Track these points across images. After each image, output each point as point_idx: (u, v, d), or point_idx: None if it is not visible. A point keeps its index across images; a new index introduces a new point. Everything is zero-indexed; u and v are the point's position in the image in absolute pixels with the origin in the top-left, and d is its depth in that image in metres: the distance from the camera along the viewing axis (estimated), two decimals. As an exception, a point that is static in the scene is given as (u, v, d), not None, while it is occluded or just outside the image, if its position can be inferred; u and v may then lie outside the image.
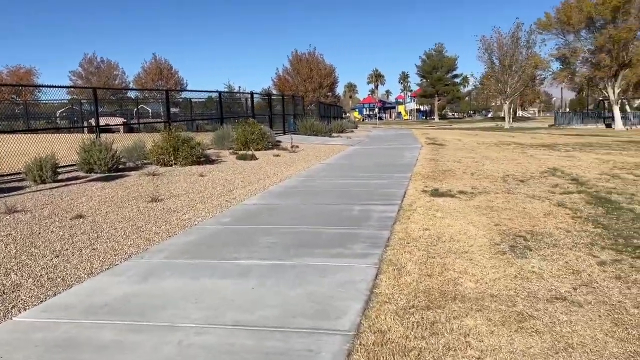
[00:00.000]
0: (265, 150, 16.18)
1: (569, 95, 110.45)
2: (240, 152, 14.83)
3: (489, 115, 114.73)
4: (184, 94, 38.55)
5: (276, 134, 21.84)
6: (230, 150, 15.23)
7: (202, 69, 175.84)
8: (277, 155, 14.69)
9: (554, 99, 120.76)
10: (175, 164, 11.98)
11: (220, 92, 17.84)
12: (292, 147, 16.92)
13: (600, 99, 49.39)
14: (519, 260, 4.53)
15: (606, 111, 45.79)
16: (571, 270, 4.25)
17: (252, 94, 20.24)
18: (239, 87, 73.78)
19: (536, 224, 5.93)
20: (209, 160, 12.98)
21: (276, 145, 18.17)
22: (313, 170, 11.42)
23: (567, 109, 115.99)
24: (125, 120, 24.40)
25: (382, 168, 11.47)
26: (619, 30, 34.35)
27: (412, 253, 4.79)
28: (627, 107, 38.98)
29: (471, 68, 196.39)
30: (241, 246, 5.18)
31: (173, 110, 30.08)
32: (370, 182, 9.32)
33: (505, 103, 50.25)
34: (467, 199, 7.60)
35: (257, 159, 13.74)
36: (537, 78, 48.66)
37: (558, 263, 4.45)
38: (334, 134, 26.60)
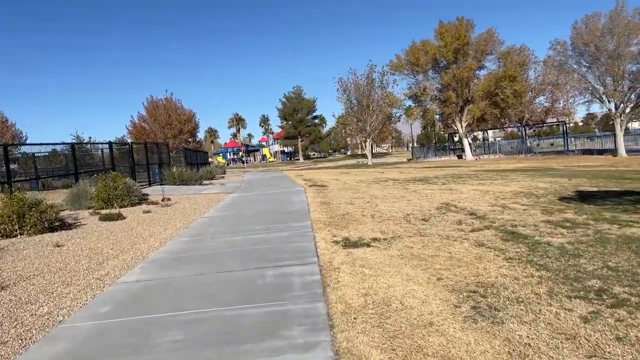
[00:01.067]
0: (132, 206, 14.19)
1: (417, 129, 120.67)
2: (104, 212, 12.73)
3: (349, 153, 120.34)
4: (24, 148, 33.96)
5: (141, 186, 19.68)
6: (91, 210, 13.03)
7: (45, 121, 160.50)
8: (148, 212, 12.87)
9: (404, 134, 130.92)
10: (21, 233, 9.68)
11: (73, 144, 15.45)
12: (163, 200, 15.13)
13: (450, 132, 54.05)
14: (498, 328, 3.74)
15: (456, 143, 50.13)
16: (564, 336, 3.54)
17: (110, 143, 17.97)
18: (89, 137, 68.05)
19: (478, 273, 5.29)
20: (65, 225, 10.80)
21: (144, 199, 16.17)
22: (197, 227, 9.94)
23: (416, 144, 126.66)
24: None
25: (276, 217, 10.39)
26: (460, 70, 37.95)
27: (369, 334, 3.76)
28: (470, 139, 43.13)
29: (330, 108, 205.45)
30: (134, 356, 3.71)
31: (12, 167, 26.07)
32: (270, 236, 8.18)
33: (367, 141, 52.60)
34: (385, 248, 6.84)
35: (124, 217, 11.82)
36: (393, 116, 51.97)
37: (541, 326, 3.74)
38: (205, 182, 24.95)
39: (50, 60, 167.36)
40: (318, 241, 7.43)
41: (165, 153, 26.98)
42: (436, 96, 40.55)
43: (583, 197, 11.71)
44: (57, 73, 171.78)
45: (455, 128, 42.11)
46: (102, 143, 23.24)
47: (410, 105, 44.89)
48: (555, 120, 47.83)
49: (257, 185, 21.66)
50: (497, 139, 68.04)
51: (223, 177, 32.81)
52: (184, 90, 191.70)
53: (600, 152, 35.98)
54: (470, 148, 42.04)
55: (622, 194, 12.04)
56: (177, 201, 15.43)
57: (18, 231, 9.69)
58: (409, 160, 49.01)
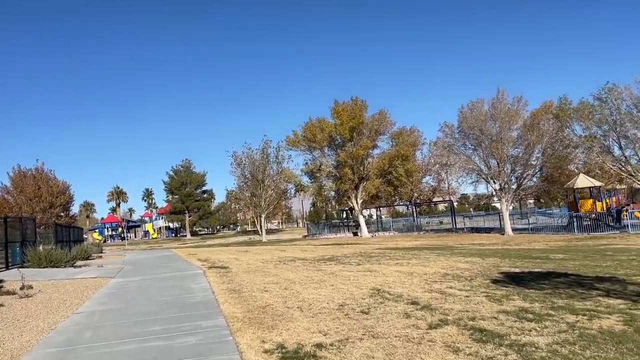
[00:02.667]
0: (-22, 298, 10.95)
1: (306, 206, 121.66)
2: None
3: (238, 229, 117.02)
4: None
5: (-4, 269, 15.96)
6: None
7: None
8: (1, 305, 9.85)
9: (294, 210, 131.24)
10: None
11: None
12: (22, 288, 11.99)
13: (343, 209, 54.25)
14: None
15: (350, 220, 50.20)
16: None
17: (-43, 216, 14.36)
18: (-62, 209, 58.44)
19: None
20: None
21: (-4, 287, 12.81)
22: (67, 330, 7.41)
23: (306, 220, 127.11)
24: None
25: (177, 312, 8.17)
26: (356, 149, 38.49)
27: None
28: (366, 216, 43.38)
29: (220, 182, 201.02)
30: None
31: None
32: (175, 342, 6.05)
33: (262, 216, 50.85)
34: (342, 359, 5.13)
35: (-37, 316, 8.79)
36: (288, 192, 51.22)
37: None
38: (79, 263, 21.34)
39: None
40: (244, 352, 5.49)
41: (31, 229, 22.96)
42: (332, 173, 40.52)
43: (513, 279, 10.98)
44: None
45: (351, 204, 42.11)
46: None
47: (305, 182, 44.49)
48: (441, 199, 50.18)
49: (144, 267, 18.77)
50: (383, 216, 70.03)
51: (101, 256, 28.84)
52: (58, 160, 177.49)
53: (487, 230, 37.63)
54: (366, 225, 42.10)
55: (548, 275, 11.55)
56: (42, 290, 12.36)
57: None
58: (305, 236, 47.87)
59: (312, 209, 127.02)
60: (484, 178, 35.31)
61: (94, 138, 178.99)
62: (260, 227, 60.49)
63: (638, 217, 34.87)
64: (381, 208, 53.80)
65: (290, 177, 44.61)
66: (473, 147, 35.08)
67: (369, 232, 41.39)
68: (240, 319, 7.27)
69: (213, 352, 5.54)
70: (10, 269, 17.02)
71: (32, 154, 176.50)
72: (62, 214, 55.37)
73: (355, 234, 43.61)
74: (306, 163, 43.10)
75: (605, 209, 32.69)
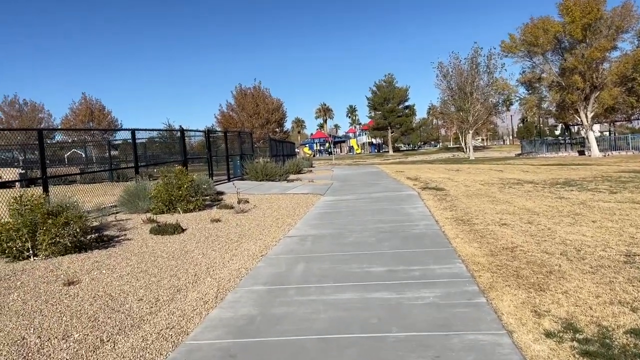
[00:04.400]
0: (200, 210, 11.17)
1: (515, 122, 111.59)
2: (162, 218, 9.78)
3: (439, 146, 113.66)
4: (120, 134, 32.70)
5: (218, 182, 16.83)
6: (147, 215, 10.09)
7: (139, 109, 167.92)
8: (217, 221, 9.70)
9: (499, 126, 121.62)
10: (35, 254, 6.81)
11: (133, 130, 12.67)
12: (239, 202, 11.98)
13: (564, 124, 47.35)
14: None
15: (573, 137, 43.63)
16: None
17: (182, 130, 15.09)
18: (180, 126, 68.15)
19: None
20: (101, 240, 7.85)
21: (217, 199, 13.19)
22: (279, 260, 6.51)
23: (514, 137, 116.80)
24: (22, 172, 18.64)
25: (400, 248, 6.69)
26: (592, 50, 31.82)
27: None
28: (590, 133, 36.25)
29: (422, 98, 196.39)
30: None
31: (113, 153, 24.41)
32: (403, 298, 4.52)
33: (469, 132, 47.21)
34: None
35: (183, 230, 8.71)
36: (499, 105, 46.22)
37: None
38: (291, 177, 21.82)
39: (143, 51, 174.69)
40: (515, 331, 3.65)
41: (248, 143, 24.13)
42: (556, 82, 34.48)
43: None
44: (151, 65, 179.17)
45: (579, 119, 35.83)
46: (171, 130, 20.78)
47: (521, 93, 38.94)
48: None
49: (352, 184, 18.06)
50: (605, 133, 59.30)
51: (311, 170, 29.64)
52: (272, 79, 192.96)
53: None
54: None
55: None
56: (257, 204, 12.23)
57: (30, 251, 6.81)
58: (518, 155, 43.13)
59: (521, 125, 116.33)
60: None
61: (302, 59, 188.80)
62: (465, 144, 56.89)
63: None
64: (616, 123, 45.31)
65: (504, 87, 39.46)
66: None
67: (599, 150, 35.04)
68: (487, 267, 5.42)
69: (465, 324, 3.82)
70: (231, 180, 17.87)
71: (252, 73, 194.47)
72: (277, 129, 59.55)
73: (581, 152, 37.51)
74: (523, 72, 37.55)
75: None
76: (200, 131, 18.01)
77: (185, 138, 15.81)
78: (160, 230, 8.48)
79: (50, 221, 6.86)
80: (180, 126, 15.33)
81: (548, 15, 34.84)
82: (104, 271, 6.12)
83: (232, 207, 11.45)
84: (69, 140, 27.98)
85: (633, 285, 4.58)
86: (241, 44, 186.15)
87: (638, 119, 42.87)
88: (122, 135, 30.77)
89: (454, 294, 4.55)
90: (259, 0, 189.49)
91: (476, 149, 73.94)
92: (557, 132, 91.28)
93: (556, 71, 35.49)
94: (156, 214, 10.56)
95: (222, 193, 14.26)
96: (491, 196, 11.92)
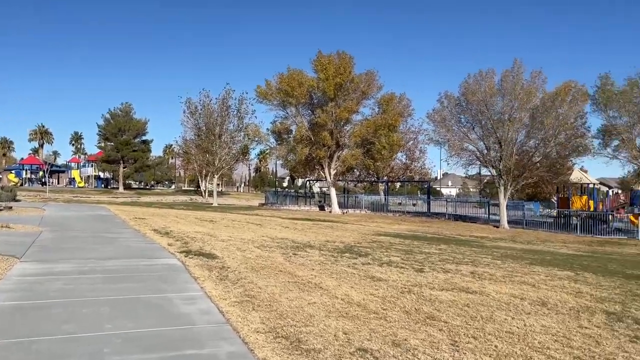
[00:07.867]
0: None
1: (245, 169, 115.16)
2: None
3: (173, 188, 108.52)
4: None
5: None
6: None
7: None
8: None
9: (234, 173, 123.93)
10: None
11: None
12: None
13: (291, 177, 48.73)
14: None
15: (312, 192, 44.96)
16: None
17: None
18: None
19: None
20: None
21: None
22: None
23: (245, 185, 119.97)
24: None
25: None
26: (341, 110, 32.76)
27: None
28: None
29: (161, 135, 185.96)
30: None
31: None
32: None
33: (215, 177, 44.22)
34: None
35: None
36: (249, 152, 44.90)
37: None
38: (-27, 217, 14.68)
39: None
40: None
41: None
42: (306, 136, 34.52)
43: None
44: None
45: (322, 175, 36.57)
46: None
47: (273, 143, 38.10)
48: (415, 178, 45.88)
49: (73, 234, 12.55)
50: (324, 189, 64.52)
51: (11, 208, 21.83)
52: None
53: (472, 219, 33.56)
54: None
55: None
56: None
57: None
58: (262, 205, 41.94)
59: (255, 174, 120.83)
60: (480, 161, 30.92)
61: (18, 77, 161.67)
62: (206, 188, 54.10)
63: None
64: (352, 182, 48.69)
65: (256, 133, 38.04)
66: (471, 124, 30.51)
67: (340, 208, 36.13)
68: None
69: None
70: None
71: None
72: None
73: (322, 207, 38.29)
74: (274, 121, 36.83)
75: (600, 208, 29.46)
76: None
77: None
78: None
79: None
80: None
81: (302, 70, 35.08)
82: None
83: None
84: None
85: None
86: None
87: (374, 181, 46.80)
88: None
89: None
90: None
91: (213, 194, 72.00)
92: (285, 184, 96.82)
93: (307, 125, 35.70)
94: None
95: None
96: (286, 271, 8.56)
